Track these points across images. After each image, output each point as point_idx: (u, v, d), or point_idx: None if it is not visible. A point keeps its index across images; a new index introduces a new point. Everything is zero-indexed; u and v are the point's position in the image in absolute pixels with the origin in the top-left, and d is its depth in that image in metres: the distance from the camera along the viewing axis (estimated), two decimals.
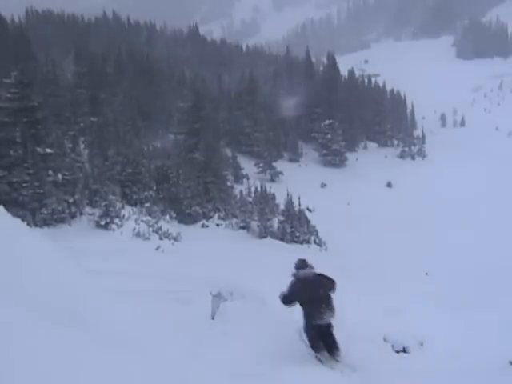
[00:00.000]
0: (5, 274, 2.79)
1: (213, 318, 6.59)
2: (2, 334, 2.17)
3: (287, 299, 5.86)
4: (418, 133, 57.19)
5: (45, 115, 19.59)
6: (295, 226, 23.99)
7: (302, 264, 5.94)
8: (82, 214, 19.27)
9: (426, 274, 17.91)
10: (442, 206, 32.25)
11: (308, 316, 5.78)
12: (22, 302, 2.61)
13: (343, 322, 6.12)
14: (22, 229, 3.75)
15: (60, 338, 2.47)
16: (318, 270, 5.97)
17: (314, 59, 58.44)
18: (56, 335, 2.48)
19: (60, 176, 18.64)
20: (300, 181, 34.12)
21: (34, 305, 2.65)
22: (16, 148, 17.47)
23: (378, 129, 53.16)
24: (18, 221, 3.89)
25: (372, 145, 52.06)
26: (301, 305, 5.84)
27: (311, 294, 5.70)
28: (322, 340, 5.78)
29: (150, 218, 21.01)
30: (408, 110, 62.42)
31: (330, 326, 5.79)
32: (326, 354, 5.69)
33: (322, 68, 57.35)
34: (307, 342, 5.90)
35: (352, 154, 46.88)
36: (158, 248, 17.78)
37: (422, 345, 6.28)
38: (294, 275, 5.95)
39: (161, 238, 19.54)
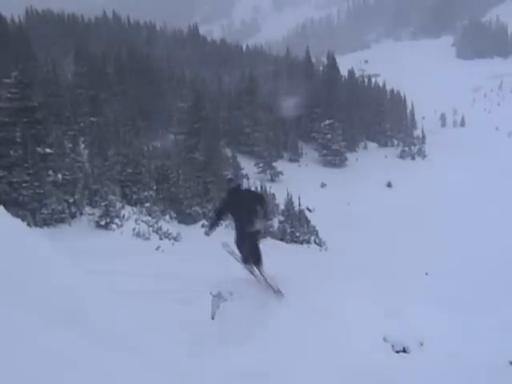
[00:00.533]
0: (5, 273, 2.79)
1: (213, 318, 6.59)
2: (2, 333, 2.17)
3: (218, 209, 6.93)
4: (417, 133, 57.24)
5: (45, 115, 19.58)
6: (295, 226, 23.99)
7: (230, 181, 7.15)
8: (82, 214, 19.25)
9: (426, 273, 17.90)
10: (442, 206, 32.25)
11: (238, 225, 6.56)
12: (22, 301, 2.61)
13: (344, 322, 6.13)
14: (22, 229, 3.75)
15: (60, 338, 2.47)
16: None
17: (313, 59, 58.46)
18: (56, 335, 2.48)
19: (60, 176, 18.63)
20: (300, 181, 34.12)
21: (34, 304, 2.65)
22: (16, 148, 17.45)
23: (377, 129, 53.19)
24: (18, 221, 3.89)
25: (372, 145, 52.08)
26: (232, 215, 6.70)
27: (240, 204, 6.50)
28: (249, 249, 6.49)
29: (150, 218, 21.01)
30: (408, 110, 62.48)
31: (257, 233, 6.60)
32: (254, 267, 6.47)
33: (321, 68, 57.39)
34: (238, 255, 6.65)
35: (352, 154, 46.89)
36: (157, 248, 17.76)
37: (422, 345, 6.28)
38: (226, 189, 7.02)
39: (161, 238, 19.52)
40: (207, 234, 7.04)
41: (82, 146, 24.07)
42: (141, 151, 24.92)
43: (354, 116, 49.99)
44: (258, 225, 6.60)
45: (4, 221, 3.58)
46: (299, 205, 25.23)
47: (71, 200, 18.61)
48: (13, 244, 3.22)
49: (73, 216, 18.78)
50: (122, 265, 11.86)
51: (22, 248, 3.26)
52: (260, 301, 6.64)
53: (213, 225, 6.95)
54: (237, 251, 6.73)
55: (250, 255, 6.52)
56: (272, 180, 35.88)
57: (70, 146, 21.74)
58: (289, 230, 23.81)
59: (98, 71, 31.91)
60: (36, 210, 17.30)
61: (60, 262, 3.65)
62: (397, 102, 61.20)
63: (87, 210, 19.56)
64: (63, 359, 2.32)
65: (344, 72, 56.75)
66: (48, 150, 18.59)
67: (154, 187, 23.51)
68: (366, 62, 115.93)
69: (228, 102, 42.15)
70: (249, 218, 6.44)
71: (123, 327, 3.35)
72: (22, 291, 2.76)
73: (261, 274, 6.46)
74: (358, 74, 64.89)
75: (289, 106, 42.83)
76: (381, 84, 61.45)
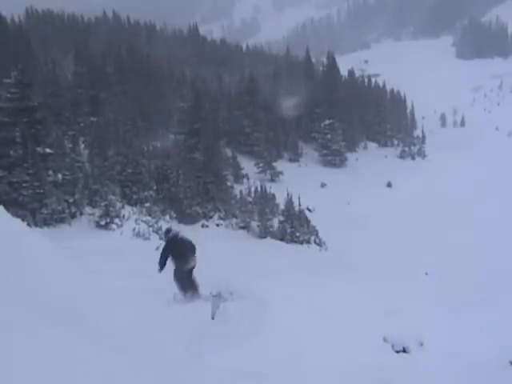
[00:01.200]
0: (5, 274, 2.79)
1: (213, 318, 6.59)
2: (2, 333, 2.17)
3: (162, 258, 8.04)
4: (417, 133, 57.22)
5: (45, 115, 19.58)
6: (295, 226, 23.99)
7: (168, 232, 8.64)
8: (82, 214, 19.26)
9: (426, 273, 17.91)
10: (442, 206, 32.25)
11: (178, 264, 7.94)
12: (22, 301, 2.61)
13: (344, 322, 6.13)
14: (22, 229, 3.75)
15: (60, 338, 2.48)
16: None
17: (313, 59, 58.43)
18: (56, 335, 2.48)
19: (60, 176, 18.64)
20: (300, 181, 34.10)
21: (34, 304, 2.65)
22: (16, 148, 17.46)
23: (377, 129, 53.18)
24: (18, 221, 3.89)
25: (372, 145, 52.07)
26: (172, 258, 8.02)
27: (179, 248, 8.10)
28: (188, 281, 7.89)
29: (149, 218, 21.02)
30: (408, 110, 62.45)
31: (193, 268, 8.08)
32: (191, 292, 7.73)
33: (321, 68, 57.34)
34: (178, 286, 7.90)
35: (352, 154, 46.89)
36: (158, 248, 17.75)
37: (421, 345, 6.28)
38: (165, 239, 8.47)
39: (161, 238, 19.52)
40: (159, 271, 8.17)
41: (82, 145, 24.07)
42: (141, 151, 24.93)
43: (354, 116, 49.98)
44: (193, 262, 8.13)
45: (4, 221, 3.58)
46: (299, 205, 25.23)
47: (71, 200, 18.62)
48: (12, 244, 3.22)
49: (73, 216, 18.79)
50: (122, 265, 11.88)
51: (22, 248, 3.26)
52: (260, 300, 6.65)
53: (162, 267, 8.14)
54: (177, 284, 8.01)
55: (189, 286, 7.87)
56: (272, 180, 35.87)
57: (70, 145, 21.74)
58: (289, 230, 23.81)
59: (97, 71, 31.90)
60: (36, 210, 17.31)
61: (60, 261, 3.65)
62: (397, 102, 61.17)
63: (87, 209, 19.57)
64: (62, 356, 2.32)
65: (344, 72, 56.73)
66: (48, 150, 18.60)
67: (154, 187, 23.52)
68: (366, 61, 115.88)
69: (228, 102, 42.14)
70: (185, 259, 7.99)
71: (123, 326, 3.35)
72: (22, 290, 2.76)
73: (199, 297, 7.70)
74: (358, 73, 64.85)
75: (289, 105, 42.82)
76: (381, 84, 61.42)
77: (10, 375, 1.96)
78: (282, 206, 25.32)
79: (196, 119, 29.00)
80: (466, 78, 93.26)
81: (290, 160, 42.95)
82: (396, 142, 53.56)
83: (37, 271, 3.09)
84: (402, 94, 62.93)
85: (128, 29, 60.59)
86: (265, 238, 23.37)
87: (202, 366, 4.50)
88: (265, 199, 26.02)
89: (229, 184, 29.01)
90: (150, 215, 21.41)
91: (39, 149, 18.20)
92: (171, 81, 40.00)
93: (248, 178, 33.62)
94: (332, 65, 52.92)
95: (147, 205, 22.21)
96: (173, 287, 8.05)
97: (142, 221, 20.30)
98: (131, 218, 20.21)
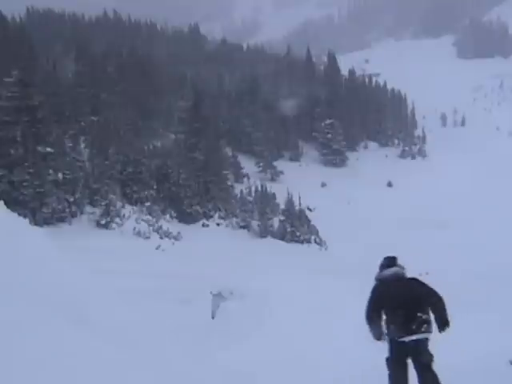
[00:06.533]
0: (9, 270, 2.80)
1: (213, 318, 6.60)
2: (5, 329, 2.18)
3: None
4: (418, 132, 57.14)
5: (45, 114, 19.59)
6: (295, 225, 24.00)
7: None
8: (82, 213, 19.28)
9: (427, 273, 17.88)
10: (443, 206, 32.23)
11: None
12: (24, 298, 2.61)
13: (343, 322, 6.14)
14: (26, 227, 3.75)
15: (60, 331, 2.49)
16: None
17: (314, 59, 58.34)
18: (56, 328, 2.49)
19: (60, 175, 18.64)
20: (300, 180, 34.08)
21: (35, 302, 2.65)
22: (16, 147, 17.47)
23: (378, 128, 53.10)
24: (21, 219, 3.89)
25: (372, 144, 52.02)
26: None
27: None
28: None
29: (150, 218, 21.03)
30: (408, 110, 62.36)
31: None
32: None
33: (322, 67, 57.30)
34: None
35: (352, 154, 46.86)
36: (158, 247, 17.80)
37: None
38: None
39: (161, 238, 19.56)
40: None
41: (83, 145, 24.07)
42: (141, 150, 24.93)
43: (355, 115, 49.92)
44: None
45: (8, 219, 3.59)
46: (300, 204, 25.24)
47: (71, 199, 18.63)
48: (14, 241, 3.23)
49: (73, 215, 18.81)
50: (122, 263, 11.88)
51: (24, 245, 3.27)
52: (260, 300, 6.66)
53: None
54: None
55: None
56: (272, 179, 35.86)
57: (71, 145, 21.74)
58: (289, 230, 23.82)
59: (98, 70, 31.88)
60: (36, 209, 17.32)
61: (61, 259, 3.66)
62: (397, 102, 61.11)
63: (88, 209, 19.59)
64: (63, 350, 2.33)
65: (345, 71, 56.68)
66: (48, 149, 18.61)
67: (155, 186, 23.52)
68: (367, 61, 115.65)
69: (228, 102, 42.11)
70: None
71: (123, 325, 3.36)
72: (23, 288, 2.76)
73: None
74: (358, 73, 64.71)
75: (289, 105, 42.81)
76: (381, 83, 61.38)
77: (12, 371, 1.97)
78: (282, 206, 25.32)
79: (196, 119, 28.98)
80: (466, 77, 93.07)
81: (291, 159, 42.92)
82: (396, 141, 53.51)
83: (39, 269, 3.10)
84: (403, 94, 62.85)
85: (129, 28, 60.55)
86: (265, 237, 23.37)
87: (202, 365, 4.51)
88: (265, 199, 26.02)
89: (229, 183, 29.00)
90: (150, 214, 21.42)
91: (40, 148, 18.21)
92: (172, 80, 39.96)
93: (248, 178, 33.61)
94: (333, 64, 52.91)
95: (147, 204, 22.21)
96: (171, 287, 8.03)
97: (142, 220, 20.32)
98: (131, 217, 20.23)
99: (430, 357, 4.04)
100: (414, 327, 3.92)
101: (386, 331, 4.15)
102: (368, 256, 20.94)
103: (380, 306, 4.17)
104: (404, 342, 3.93)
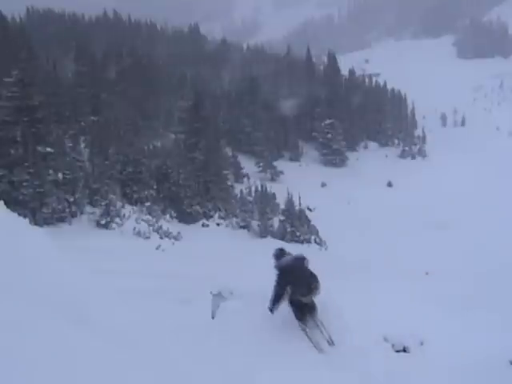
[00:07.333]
0: (9, 270, 2.80)
1: (213, 318, 6.60)
2: (5, 329, 2.18)
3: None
4: (418, 132, 57.17)
5: (45, 114, 19.58)
6: (295, 225, 24.00)
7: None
8: (82, 213, 19.28)
9: (427, 273, 17.90)
10: (443, 206, 32.23)
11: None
12: (24, 298, 2.62)
13: (343, 322, 6.13)
14: (26, 227, 3.75)
15: (60, 329, 2.49)
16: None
17: (314, 58, 58.37)
18: (56, 326, 2.49)
19: (60, 175, 18.65)
20: (300, 180, 34.11)
21: (35, 302, 2.65)
22: (16, 147, 17.47)
23: (378, 128, 53.13)
24: (21, 219, 3.89)
25: (372, 144, 52.04)
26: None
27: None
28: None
29: (150, 218, 21.04)
30: (408, 110, 62.39)
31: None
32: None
33: (322, 67, 57.31)
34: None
35: (352, 154, 46.88)
36: (158, 247, 17.80)
37: (422, 344, 6.28)
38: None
39: (161, 237, 19.57)
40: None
41: (83, 145, 24.08)
42: (141, 150, 24.93)
43: (355, 115, 49.95)
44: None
45: (8, 219, 3.59)
46: (300, 204, 25.24)
47: (71, 199, 18.63)
48: (14, 241, 3.23)
49: (73, 215, 18.81)
50: (122, 263, 11.89)
51: (23, 245, 3.27)
52: (260, 299, 6.65)
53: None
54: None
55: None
56: (272, 179, 35.88)
57: (71, 145, 21.74)
58: (289, 230, 23.83)
59: (98, 70, 31.91)
60: (36, 209, 17.32)
61: (61, 259, 3.66)
62: (397, 102, 61.15)
63: (88, 209, 19.59)
64: (63, 350, 2.33)
65: (345, 71, 56.71)
66: (48, 149, 18.60)
67: (155, 186, 23.53)
68: (367, 61, 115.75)
69: (228, 102, 42.14)
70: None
71: (123, 325, 3.36)
72: (23, 287, 2.77)
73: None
74: (358, 73, 64.80)
75: (289, 105, 42.84)
76: (381, 83, 61.40)
77: (12, 371, 1.97)
78: (282, 206, 25.33)
79: (196, 118, 29.00)
80: (466, 77, 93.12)
81: (291, 159, 42.95)
82: (396, 141, 53.53)
83: (38, 269, 3.10)
84: (403, 94, 62.87)
85: (129, 28, 60.59)
86: (265, 237, 23.38)
87: (202, 365, 4.50)
88: (265, 199, 26.03)
89: (229, 183, 29.02)
90: (150, 214, 21.42)
91: (40, 148, 18.21)
92: (172, 80, 39.98)
93: (248, 178, 33.63)
94: (333, 64, 52.91)
95: (147, 204, 22.22)
96: (171, 287, 8.04)
97: (142, 220, 20.32)
98: (131, 217, 20.23)
99: (314, 304, 6.21)
100: (308, 292, 6.06)
101: (289, 298, 6.13)
102: (368, 255, 21.04)
103: (287, 284, 6.08)
104: (302, 300, 6.09)
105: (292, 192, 25.29)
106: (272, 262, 6.49)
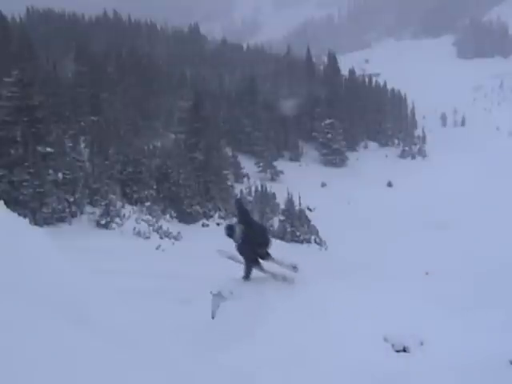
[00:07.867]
0: (9, 270, 2.80)
1: (213, 318, 6.60)
2: (5, 329, 2.18)
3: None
4: (418, 132, 57.19)
5: (45, 114, 19.59)
6: (295, 225, 24.01)
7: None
8: (82, 213, 19.28)
9: (427, 273, 17.92)
10: (443, 206, 32.24)
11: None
12: (23, 298, 2.62)
13: (343, 322, 6.14)
14: (26, 227, 3.74)
15: (60, 328, 2.49)
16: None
17: (314, 58, 58.39)
18: (56, 325, 2.49)
19: (60, 175, 18.65)
20: (300, 180, 34.11)
21: (35, 302, 2.65)
22: (16, 147, 17.47)
23: (378, 128, 53.16)
24: (21, 219, 3.89)
25: (372, 144, 52.05)
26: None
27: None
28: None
29: (150, 217, 21.04)
30: (408, 110, 62.40)
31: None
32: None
33: (322, 67, 57.33)
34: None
35: (352, 154, 46.88)
36: (158, 247, 17.79)
37: (422, 344, 6.28)
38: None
39: (161, 237, 19.56)
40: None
41: (83, 145, 24.08)
42: (141, 150, 24.94)
43: (355, 115, 49.96)
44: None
45: (8, 218, 3.59)
46: (299, 204, 25.24)
47: (71, 199, 18.63)
48: (14, 241, 3.22)
49: (73, 215, 18.81)
50: (122, 263, 11.88)
51: (23, 245, 3.27)
52: (260, 299, 6.65)
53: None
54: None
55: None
56: (272, 179, 35.89)
57: (71, 145, 21.75)
58: (289, 229, 23.83)
59: (98, 70, 31.89)
60: (36, 209, 17.32)
61: (61, 259, 3.66)
62: (397, 102, 61.17)
63: (87, 209, 19.59)
64: (63, 350, 2.33)
65: (345, 71, 56.71)
66: (48, 149, 18.61)
67: (155, 186, 23.53)
68: (367, 61, 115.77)
69: (228, 102, 42.14)
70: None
71: (123, 325, 3.36)
72: (23, 287, 2.76)
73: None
74: (358, 73, 64.76)
75: (289, 105, 42.82)
76: (381, 83, 61.40)
77: (12, 371, 1.97)
78: (282, 206, 25.33)
79: (196, 118, 29.01)
80: (466, 77, 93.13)
81: (291, 159, 42.96)
82: (396, 141, 53.55)
83: (38, 269, 3.10)
84: (403, 94, 62.90)
85: (129, 28, 60.62)
86: None
87: (202, 365, 4.50)
88: (265, 198, 26.04)
89: (229, 183, 29.02)
90: (150, 214, 21.42)
91: (40, 148, 18.21)
92: (172, 80, 40.00)
93: (248, 178, 33.63)
94: (333, 64, 52.93)
95: (147, 204, 22.22)
96: (171, 287, 8.04)
97: (142, 220, 20.32)
98: (131, 217, 20.23)
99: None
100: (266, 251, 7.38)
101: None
102: (368, 255, 21.05)
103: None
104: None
105: (292, 192, 25.30)
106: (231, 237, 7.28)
